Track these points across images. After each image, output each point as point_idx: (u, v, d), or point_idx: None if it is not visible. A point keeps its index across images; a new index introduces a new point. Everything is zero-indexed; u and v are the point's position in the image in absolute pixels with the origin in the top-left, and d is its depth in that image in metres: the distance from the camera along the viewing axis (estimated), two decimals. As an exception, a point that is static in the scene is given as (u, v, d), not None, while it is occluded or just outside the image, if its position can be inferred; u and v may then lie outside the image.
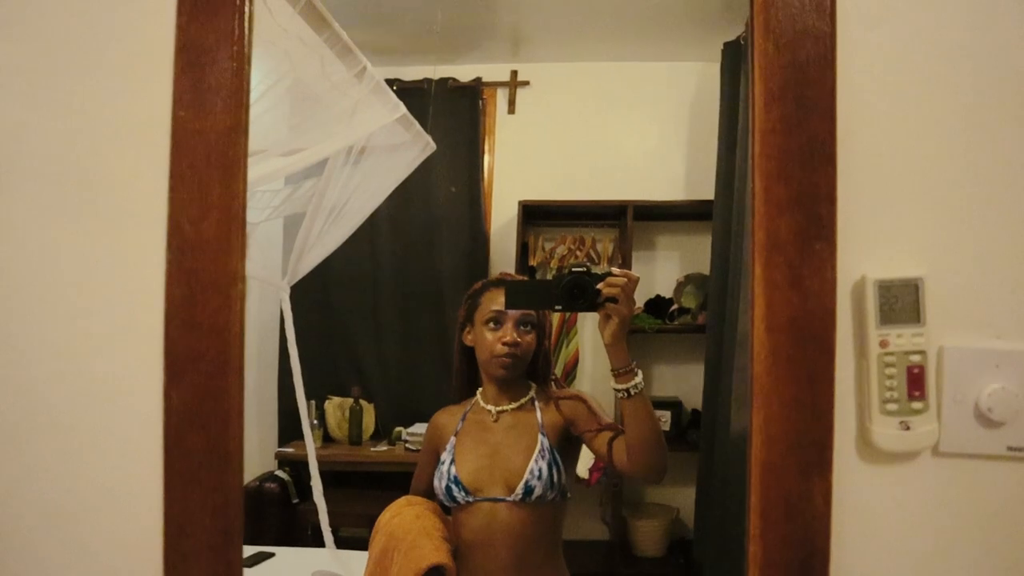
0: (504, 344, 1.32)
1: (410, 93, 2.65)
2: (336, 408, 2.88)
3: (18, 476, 0.81)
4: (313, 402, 2.65)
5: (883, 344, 0.72)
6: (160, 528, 0.77)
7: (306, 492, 2.35)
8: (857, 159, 0.72)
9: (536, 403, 1.37)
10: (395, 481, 2.78)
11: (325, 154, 1.80)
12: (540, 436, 1.32)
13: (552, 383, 1.43)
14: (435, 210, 2.89)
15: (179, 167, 0.75)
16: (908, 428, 0.72)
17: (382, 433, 2.90)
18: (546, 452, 1.30)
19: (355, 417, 2.87)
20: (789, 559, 0.71)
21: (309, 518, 2.47)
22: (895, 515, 0.74)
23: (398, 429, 2.82)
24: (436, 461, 1.38)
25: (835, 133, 0.71)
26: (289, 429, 2.66)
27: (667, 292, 2.87)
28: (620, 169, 2.87)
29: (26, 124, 0.80)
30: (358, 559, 2.03)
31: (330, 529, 2.13)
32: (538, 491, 1.28)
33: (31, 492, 0.82)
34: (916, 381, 0.72)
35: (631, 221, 2.79)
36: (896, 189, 0.73)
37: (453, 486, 1.31)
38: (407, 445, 2.75)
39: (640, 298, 2.80)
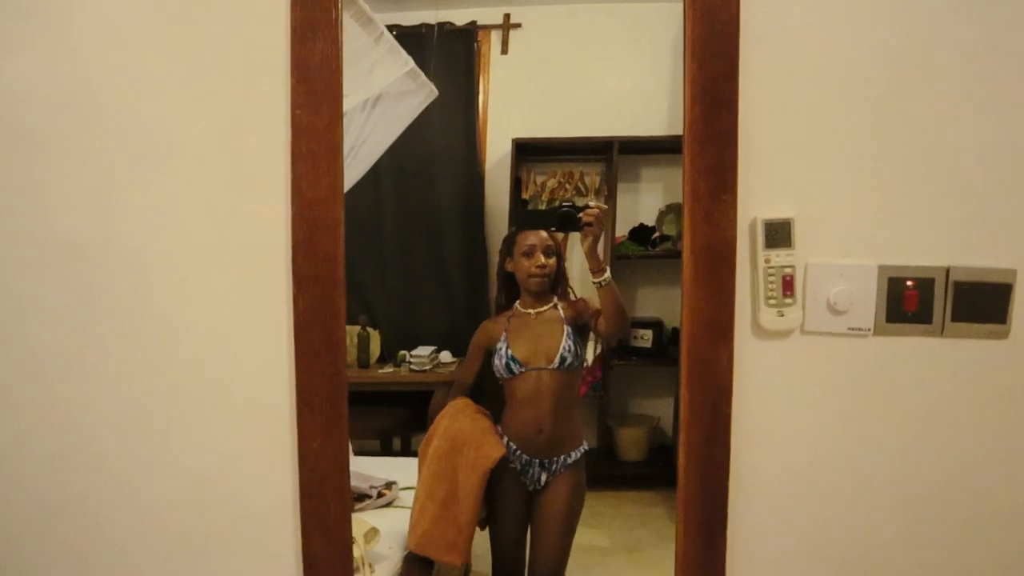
0: (537, 267, 2.18)
1: (409, 37, 3.00)
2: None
3: (186, 357, 1.28)
4: (326, 329, 3.08)
5: (767, 261, 1.19)
6: (292, 390, 1.24)
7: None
8: (752, 141, 1.18)
9: (558, 306, 2.22)
10: (400, 399, 3.27)
11: (346, 108, 2.21)
12: (565, 326, 2.18)
13: (567, 293, 2.28)
14: (434, 148, 3.27)
15: (299, 149, 1.20)
16: (782, 315, 1.20)
17: (387, 357, 3.26)
18: (571, 335, 2.17)
19: (363, 343, 3.29)
20: (705, 399, 1.20)
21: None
22: (775, 371, 1.23)
23: (402, 352, 3.19)
24: (483, 355, 2.25)
25: (737, 124, 1.16)
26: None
27: (650, 220, 3.29)
28: (607, 106, 3.24)
29: (190, 122, 1.24)
30: (369, 463, 2.59)
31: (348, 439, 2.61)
32: (568, 360, 2.15)
33: (192, 367, 1.29)
34: (788, 285, 1.20)
35: (617, 155, 3.18)
36: (778, 162, 1.20)
37: (511, 362, 2.17)
38: (411, 366, 3.18)
39: (624, 227, 3.23)
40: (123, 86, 1.25)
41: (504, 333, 2.21)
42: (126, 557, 1.33)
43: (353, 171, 2.53)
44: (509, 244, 2.28)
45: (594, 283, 2.04)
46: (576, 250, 2.38)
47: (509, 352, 2.17)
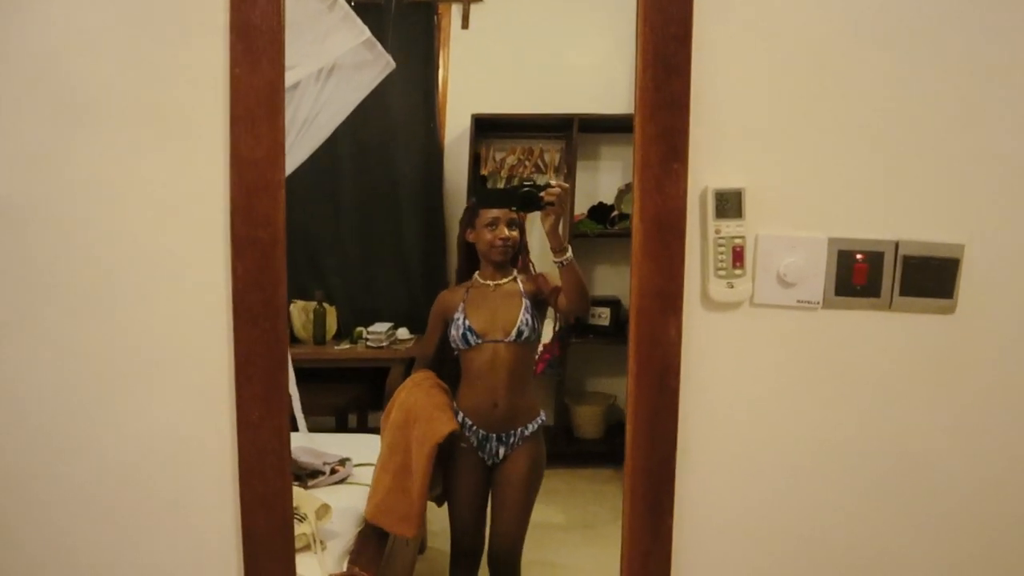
0: (500, 239, 2.17)
1: (366, 8, 2.93)
2: (300, 311, 3.26)
3: (121, 323, 1.23)
4: (281, 304, 3.04)
5: (717, 231, 1.17)
6: (231, 359, 1.20)
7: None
8: (704, 110, 1.16)
9: (518, 280, 2.22)
10: (357, 376, 3.23)
11: (299, 78, 2.16)
12: (524, 299, 2.18)
13: (527, 266, 2.27)
14: (392, 122, 3.21)
15: (237, 110, 1.14)
16: (732, 287, 1.18)
17: (344, 333, 3.24)
18: (529, 309, 2.17)
19: (319, 319, 3.25)
20: (653, 371, 1.18)
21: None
22: (724, 343, 1.22)
23: (359, 329, 3.18)
24: (442, 326, 2.23)
25: (689, 90, 1.14)
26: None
27: (609, 199, 3.28)
28: (568, 83, 3.22)
29: (124, 79, 1.18)
30: (324, 440, 2.56)
31: (302, 415, 2.57)
32: (525, 334, 2.16)
33: (128, 335, 1.23)
34: (738, 256, 1.18)
35: (576, 133, 3.16)
36: (730, 131, 1.18)
37: (468, 333, 2.17)
38: (368, 343, 3.16)
39: (583, 205, 3.22)
40: (52, 41, 1.19)
41: (462, 304, 2.21)
42: (60, 530, 1.28)
43: (308, 143, 2.47)
44: (471, 216, 2.26)
45: (555, 262, 2.03)
46: (535, 227, 2.36)
47: (467, 323, 2.17)
